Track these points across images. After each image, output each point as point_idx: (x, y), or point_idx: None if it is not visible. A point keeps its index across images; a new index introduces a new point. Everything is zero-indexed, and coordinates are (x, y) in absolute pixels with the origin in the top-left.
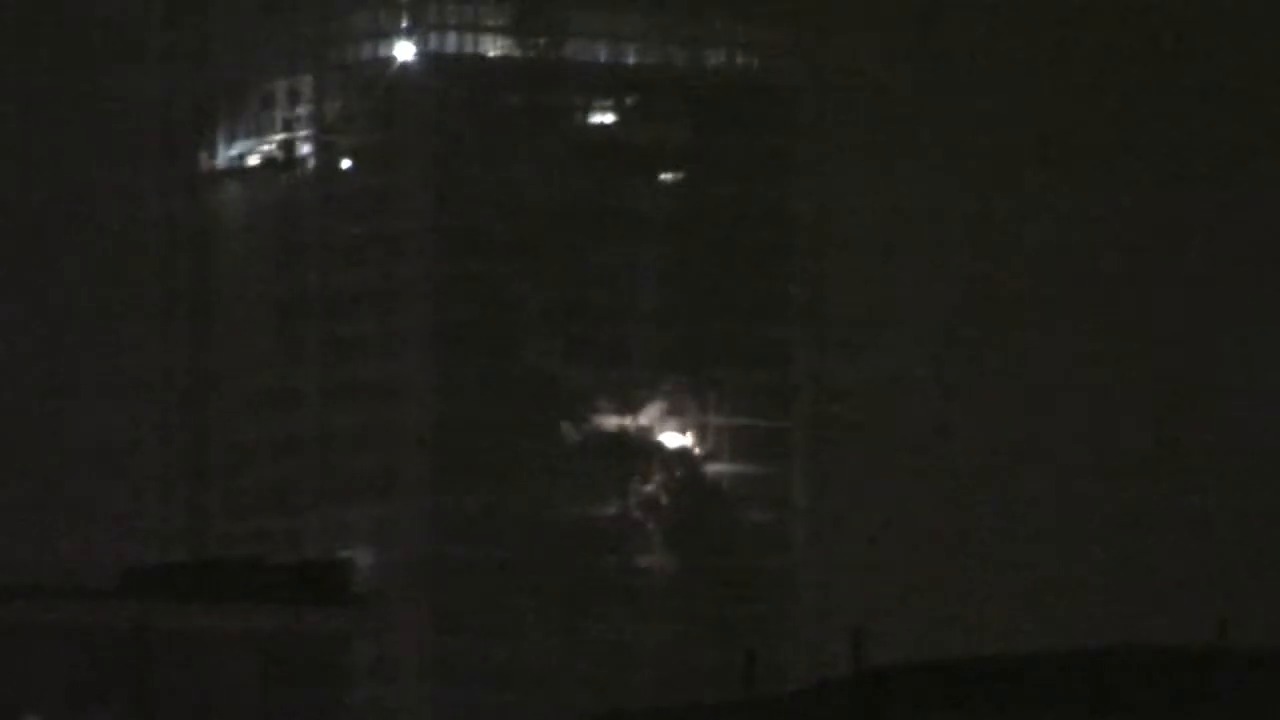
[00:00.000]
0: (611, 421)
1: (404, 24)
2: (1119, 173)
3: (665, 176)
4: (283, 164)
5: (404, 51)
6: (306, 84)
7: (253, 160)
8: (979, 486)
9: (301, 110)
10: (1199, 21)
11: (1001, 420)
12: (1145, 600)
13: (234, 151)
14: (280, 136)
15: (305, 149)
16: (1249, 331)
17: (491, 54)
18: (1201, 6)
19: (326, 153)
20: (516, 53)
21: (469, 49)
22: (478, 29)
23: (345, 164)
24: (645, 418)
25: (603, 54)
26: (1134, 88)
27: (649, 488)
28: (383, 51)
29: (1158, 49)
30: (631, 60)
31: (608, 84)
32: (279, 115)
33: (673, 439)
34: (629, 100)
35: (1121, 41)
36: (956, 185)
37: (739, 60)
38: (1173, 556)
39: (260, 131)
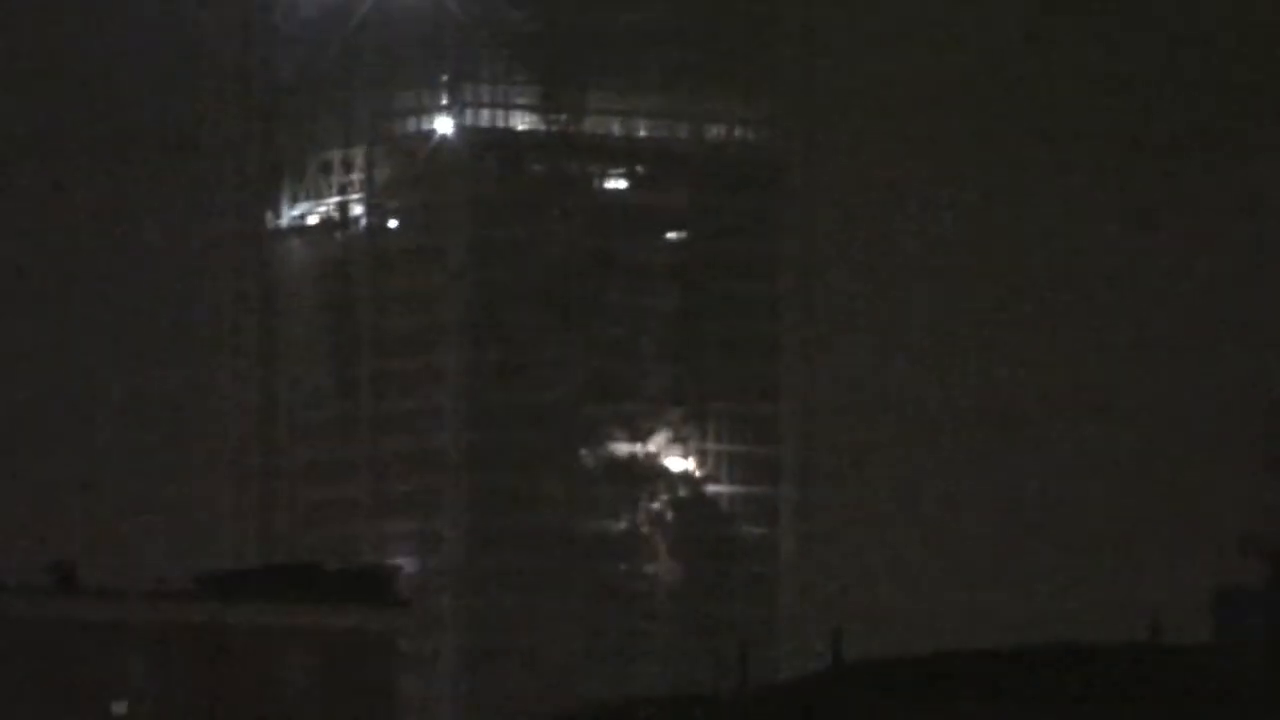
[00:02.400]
0: (623, 448)
1: (444, 102)
2: (1106, 217)
3: (670, 234)
4: (338, 223)
5: (444, 126)
6: (359, 154)
7: (312, 220)
8: (954, 503)
9: (355, 176)
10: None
11: (978, 444)
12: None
13: (296, 212)
14: (336, 199)
15: (358, 210)
16: (1248, 336)
17: (520, 128)
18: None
19: (376, 214)
20: (541, 127)
21: (500, 124)
22: (508, 106)
23: (392, 224)
24: (653, 445)
25: (617, 128)
26: (1119, 130)
27: (656, 505)
28: (425, 126)
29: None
30: (642, 134)
31: (621, 154)
32: (335, 181)
33: (676, 463)
34: (639, 168)
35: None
36: (933, 237)
37: (735, 133)
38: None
39: (319, 195)
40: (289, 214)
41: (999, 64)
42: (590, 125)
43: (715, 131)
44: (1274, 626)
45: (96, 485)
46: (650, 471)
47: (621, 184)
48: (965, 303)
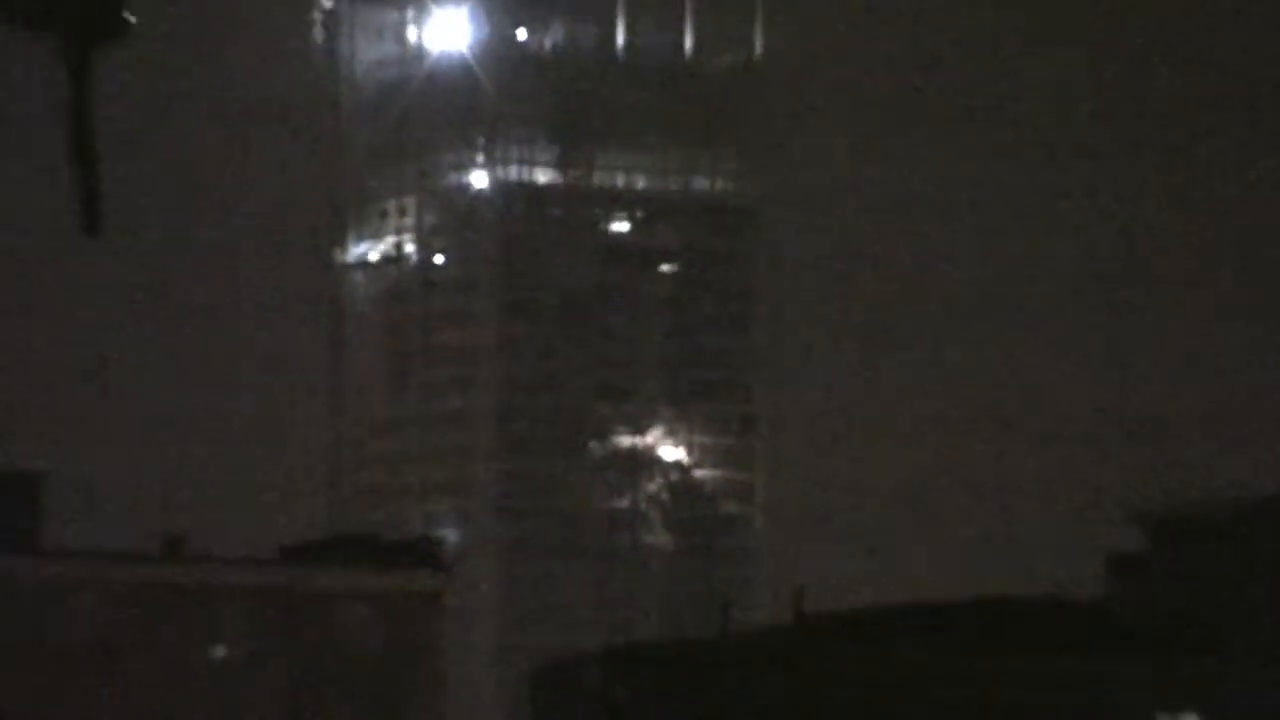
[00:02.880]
0: (625, 441)
1: (480, 160)
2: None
3: (663, 267)
4: (393, 259)
5: (479, 179)
6: (411, 202)
7: (373, 256)
8: (903, 485)
9: (407, 221)
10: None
11: (923, 438)
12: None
13: (359, 250)
14: (392, 240)
15: (409, 248)
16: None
17: (541, 181)
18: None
19: (424, 251)
20: (559, 180)
21: (525, 178)
22: (532, 163)
23: (437, 259)
24: (649, 438)
25: (620, 181)
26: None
27: (652, 488)
28: (464, 179)
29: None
30: (640, 185)
31: (623, 202)
32: (391, 224)
33: (669, 453)
34: (638, 214)
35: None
36: (883, 265)
37: (717, 185)
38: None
39: (378, 236)
40: (354, 252)
41: (939, 116)
42: (598, 179)
43: (700, 183)
44: (1155, 584)
45: (196, 474)
46: (648, 460)
47: (624, 226)
48: (913, 317)
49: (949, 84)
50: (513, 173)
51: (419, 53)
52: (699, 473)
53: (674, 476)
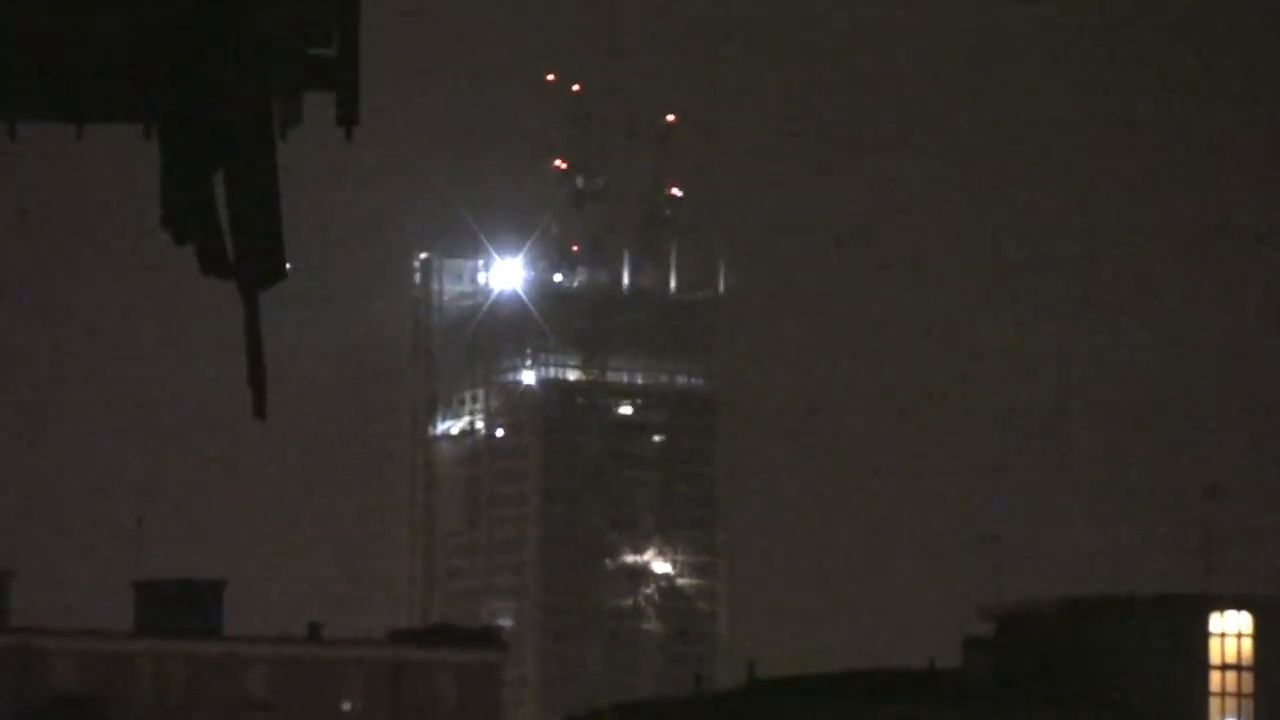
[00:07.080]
0: (629, 558)
1: (528, 364)
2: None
3: (655, 438)
4: (469, 433)
5: (528, 378)
6: (481, 393)
7: (455, 430)
8: (822, 594)
9: (478, 406)
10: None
11: (833, 559)
12: None
13: (445, 426)
14: (467, 419)
15: (480, 425)
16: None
17: (571, 378)
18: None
19: (490, 427)
20: (583, 378)
21: (559, 376)
22: (564, 366)
23: (499, 433)
24: (646, 556)
25: (625, 378)
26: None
27: (648, 591)
28: (518, 377)
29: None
30: (639, 381)
31: (627, 393)
32: (467, 408)
33: (660, 567)
34: (638, 401)
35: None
36: (804, 441)
37: (692, 381)
38: None
39: (458, 416)
40: (441, 427)
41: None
42: (610, 376)
43: (681, 379)
44: (995, 660)
45: (332, 582)
46: (644, 572)
47: (628, 410)
48: (824, 476)
49: (863, 308)
50: (551, 372)
51: (486, 290)
52: (680, 581)
53: (663, 583)
